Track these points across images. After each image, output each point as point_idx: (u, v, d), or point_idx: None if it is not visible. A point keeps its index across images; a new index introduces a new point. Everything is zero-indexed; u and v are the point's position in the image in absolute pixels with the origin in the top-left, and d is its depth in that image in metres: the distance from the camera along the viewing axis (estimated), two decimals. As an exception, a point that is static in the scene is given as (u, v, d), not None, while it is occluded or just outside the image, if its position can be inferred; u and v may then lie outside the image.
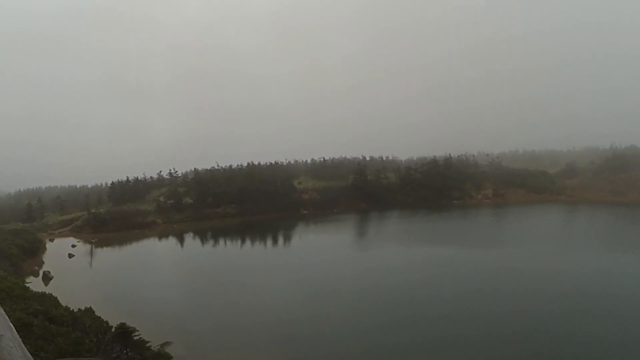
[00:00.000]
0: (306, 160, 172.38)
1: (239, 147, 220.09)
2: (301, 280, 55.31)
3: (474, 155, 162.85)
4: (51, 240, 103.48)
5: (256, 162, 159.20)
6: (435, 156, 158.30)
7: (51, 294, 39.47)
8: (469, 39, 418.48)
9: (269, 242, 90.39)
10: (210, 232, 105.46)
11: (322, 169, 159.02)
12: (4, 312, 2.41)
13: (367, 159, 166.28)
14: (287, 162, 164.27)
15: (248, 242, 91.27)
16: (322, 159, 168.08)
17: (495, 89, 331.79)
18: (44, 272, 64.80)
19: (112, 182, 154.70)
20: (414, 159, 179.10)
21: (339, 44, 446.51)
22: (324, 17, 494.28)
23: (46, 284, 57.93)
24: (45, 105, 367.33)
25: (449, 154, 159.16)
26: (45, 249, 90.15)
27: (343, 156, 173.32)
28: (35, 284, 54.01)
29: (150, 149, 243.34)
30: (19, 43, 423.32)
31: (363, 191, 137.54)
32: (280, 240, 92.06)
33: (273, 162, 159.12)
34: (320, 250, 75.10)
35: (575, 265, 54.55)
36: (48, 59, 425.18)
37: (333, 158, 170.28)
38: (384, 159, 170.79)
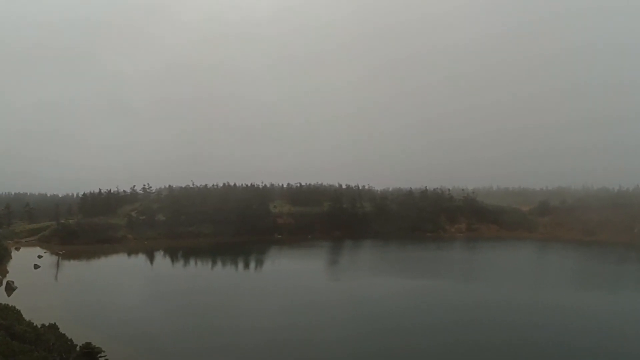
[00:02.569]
0: (282, 185, 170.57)
1: (218, 168, 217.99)
2: (272, 306, 54.30)
3: (449, 190, 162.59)
4: (17, 249, 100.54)
5: (232, 183, 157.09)
6: (411, 188, 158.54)
7: (14, 307, 38.07)
8: (452, 71, 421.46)
9: (241, 265, 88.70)
10: (181, 251, 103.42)
11: (298, 194, 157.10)
12: None
13: (344, 187, 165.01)
14: (264, 185, 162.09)
15: (219, 264, 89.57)
16: (298, 184, 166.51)
17: (476, 122, 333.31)
18: (7, 282, 62.53)
19: (84, 193, 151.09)
20: (390, 189, 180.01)
21: (329, 75, 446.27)
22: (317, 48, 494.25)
23: (9, 295, 56.16)
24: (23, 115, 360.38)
25: (425, 187, 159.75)
26: (11, 257, 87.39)
27: (319, 182, 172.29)
28: None
29: (128, 165, 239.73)
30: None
31: (338, 219, 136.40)
32: (253, 264, 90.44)
33: (249, 184, 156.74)
34: (292, 277, 74.12)
35: (539, 300, 55.35)
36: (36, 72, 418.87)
37: (309, 184, 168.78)
38: (360, 187, 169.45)
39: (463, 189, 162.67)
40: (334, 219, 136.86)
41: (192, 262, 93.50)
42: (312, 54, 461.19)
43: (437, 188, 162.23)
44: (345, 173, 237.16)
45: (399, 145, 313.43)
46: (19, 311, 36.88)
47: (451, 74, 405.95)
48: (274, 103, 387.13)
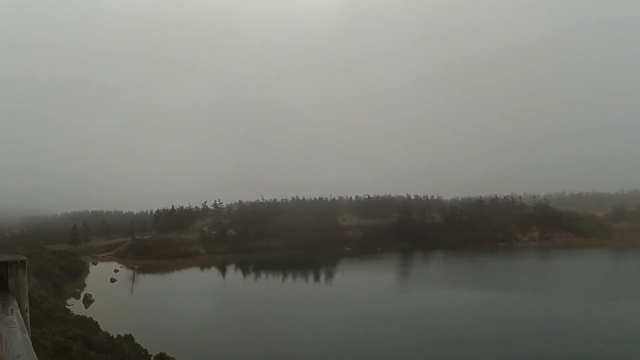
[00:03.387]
0: (351, 197, 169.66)
1: (285, 182, 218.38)
2: (341, 317, 53.71)
3: (520, 197, 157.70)
4: (94, 263, 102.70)
5: (301, 197, 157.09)
6: (481, 197, 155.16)
7: (91, 318, 38.88)
8: (518, 72, 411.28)
9: (311, 277, 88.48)
10: (252, 265, 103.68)
11: (366, 207, 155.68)
12: (28, 337, 2.45)
13: (412, 197, 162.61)
14: (332, 198, 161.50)
15: (289, 277, 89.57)
16: (366, 196, 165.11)
17: (544, 124, 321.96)
18: (85, 295, 63.91)
19: (157, 210, 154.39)
20: (459, 199, 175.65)
21: (387, 81, 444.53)
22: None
23: (87, 307, 57.17)
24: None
25: (495, 195, 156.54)
26: (88, 271, 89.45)
27: (387, 194, 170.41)
28: (76, 306, 53.78)
29: (199, 182, 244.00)
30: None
31: (407, 230, 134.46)
32: (322, 276, 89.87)
33: (317, 198, 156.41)
34: (362, 289, 72.87)
35: (618, 312, 53.02)
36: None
37: (377, 196, 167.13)
38: (429, 198, 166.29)
39: (534, 196, 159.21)
40: (403, 230, 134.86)
41: (262, 275, 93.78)
42: (366, 58, 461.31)
43: (508, 195, 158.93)
44: (413, 183, 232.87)
45: (464, 151, 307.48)
46: (96, 322, 37.47)
47: (513, 74, 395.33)
48: (335, 110, 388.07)
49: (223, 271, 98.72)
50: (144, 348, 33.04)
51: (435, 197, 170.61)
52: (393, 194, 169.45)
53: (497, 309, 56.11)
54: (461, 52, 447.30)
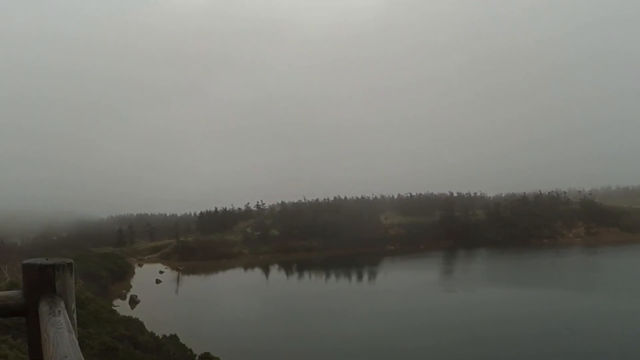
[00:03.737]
0: (392, 196, 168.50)
1: (326, 182, 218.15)
2: (386, 313, 53.63)
3: (564, 192, 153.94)
4: (140, 265, 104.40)
5: (343, 197, 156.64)
6: (524, 192, 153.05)
7: (137, 319, 39.51)
8: (557, 62, 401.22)
9: (354, 276, 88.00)
10: (295, 264, 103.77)
11: (408, 205, 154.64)
12: (75, 338, 2.51)
13: (454, 194, 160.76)
14: (374, 197, 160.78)
15: (332, 276, 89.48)
16: (408, 195, 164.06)
17: (586, 115, 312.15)
18: (131, 296, 64.96)
19: (201, 212, 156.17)
20: (502, 195, 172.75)
21: (421, 74, 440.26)
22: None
23: (132, 308, 58.09)
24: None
25: (539, 190, 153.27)
26: (134, 273, 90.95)
27: (429, 192, 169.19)
28: (122, 307, 54.50)
29: (242, 184, 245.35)
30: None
31: (450, 228, 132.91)
32: (365, 275, 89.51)
33: (359, 197, 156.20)
34: (404, 288, 72.13)
35: None
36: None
37: (420, 193, 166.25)
38: (472, 195, 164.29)
39: (579, 191, 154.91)
40: (446, 228, 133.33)
41: (305, 274, 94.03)
42: (406, 51, 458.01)
43: (552, 191, 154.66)
44: (454, 179, 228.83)
45: (505, 144, 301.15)
46: (142, 323, 38.08)
47: (551, 64, 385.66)
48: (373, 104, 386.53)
49: (266, 271, 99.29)
50: (188, 348, 33.62)
51: (478, 193, 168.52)
52: (435, 192, 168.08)
53: (543, 306, 54.96)
54: (496, 45, 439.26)
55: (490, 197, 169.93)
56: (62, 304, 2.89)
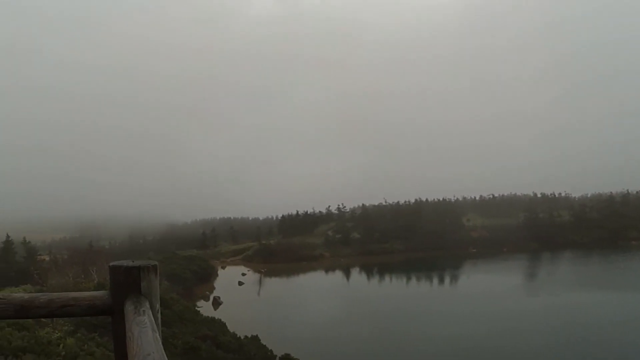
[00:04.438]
0: (474, 197, 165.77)
1: (407, 185, 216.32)
2: (468, 316, 52.24)
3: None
4: (223, 267, 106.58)
5: (424, 199, 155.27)
6: (611, 192, 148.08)
7: (220, 320, 40.18)
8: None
9: (435, 279, 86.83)
10: (376, 267, 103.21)
11: (491, 206, 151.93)
12: (158, 337, 2.61)
13: (538, 195, 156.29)
14: (455, 198, 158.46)
15: (413, 279, 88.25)
16: (491, 196, 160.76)
17: None
18: (214, 297, 66.27)
19: (283, 215, 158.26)
20: (588, 195, 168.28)
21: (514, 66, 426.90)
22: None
23: (215, 309, 59.12)
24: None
25: (627, 190, 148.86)
26: (217, 275, 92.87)
27: (512, 192, 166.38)
28: (205, 308, 55.42)
29: (322, 187, 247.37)
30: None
31: (534, 230, 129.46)
32: (446, 278, 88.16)
33: (440, 199, 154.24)
34: (486, 291, 70.11)
35: None
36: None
37: (502, 195, 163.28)
38: (556, 195, 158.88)
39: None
40: (529, 230, 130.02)
41: (386, 277, 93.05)
42: (489, 48, 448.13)
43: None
44: (538, 179, 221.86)
45: (590, 143, 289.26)
46: (224, 323, 38.77)
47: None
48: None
49: (347, 274, 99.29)
50: (269, 349, 33.96)
51: (562, 194, 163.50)
52: (518, 192, 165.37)
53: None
54: (585, 41, 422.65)
55: (575, 197, 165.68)
56: (147, 304, 2.99)
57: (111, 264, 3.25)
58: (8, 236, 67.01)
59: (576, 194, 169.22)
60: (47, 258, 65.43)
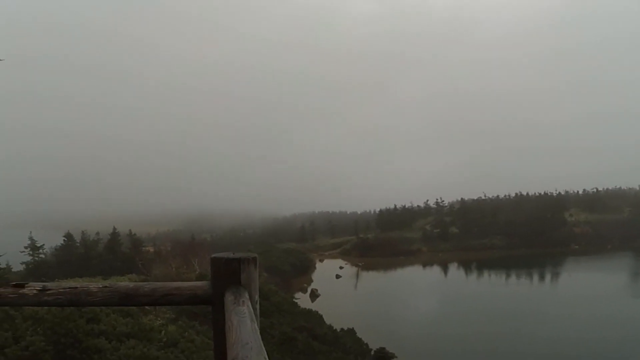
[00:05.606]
0: (577, 191, 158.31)
1: (507, 178, 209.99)
2: (574, 317, 50.93)
3: None
4: (321, 260, 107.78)
5: (524, 193, 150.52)
6: None
7: (317, 312, 40.91)
8: None
9: (535, 277, 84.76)
10: (474, 263, 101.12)
11: (594, 201, 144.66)
12: (256, 327, 2.72)
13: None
14: (557, 192, 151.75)
15: (513, 276, 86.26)
16: (594, 190, 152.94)
17: None
18: (311, 290, 67.34)
19: (381, 209, 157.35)
20: None
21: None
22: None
23: (312, 301, 60.23)
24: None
25: None
26: (315, 268, 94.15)
27: (617, 186, 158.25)
28: (302, 300, 56.49)
29: (419, 183, 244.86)
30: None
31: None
32: (547, 276, 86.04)
33: (542, 193, 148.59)
34: (592, 290, 67.77)
35: None
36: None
37: (607, 188, 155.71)
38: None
39: None
40: (635, 226, 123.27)
41: (485, 273, 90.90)
42: (586, 45, 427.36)
43: None
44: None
45: None
46: (321, 316, 39.48)
47: None
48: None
49: (445, 269, 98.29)
50: (364, 342, 34.26)
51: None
52: (623, 186, 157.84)
53: None
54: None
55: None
56: (246, 295, 3.16)
57: (212, 255, 3.45)
58: (114, 228, 70.38)
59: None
60: (151, 249, 68.71)
